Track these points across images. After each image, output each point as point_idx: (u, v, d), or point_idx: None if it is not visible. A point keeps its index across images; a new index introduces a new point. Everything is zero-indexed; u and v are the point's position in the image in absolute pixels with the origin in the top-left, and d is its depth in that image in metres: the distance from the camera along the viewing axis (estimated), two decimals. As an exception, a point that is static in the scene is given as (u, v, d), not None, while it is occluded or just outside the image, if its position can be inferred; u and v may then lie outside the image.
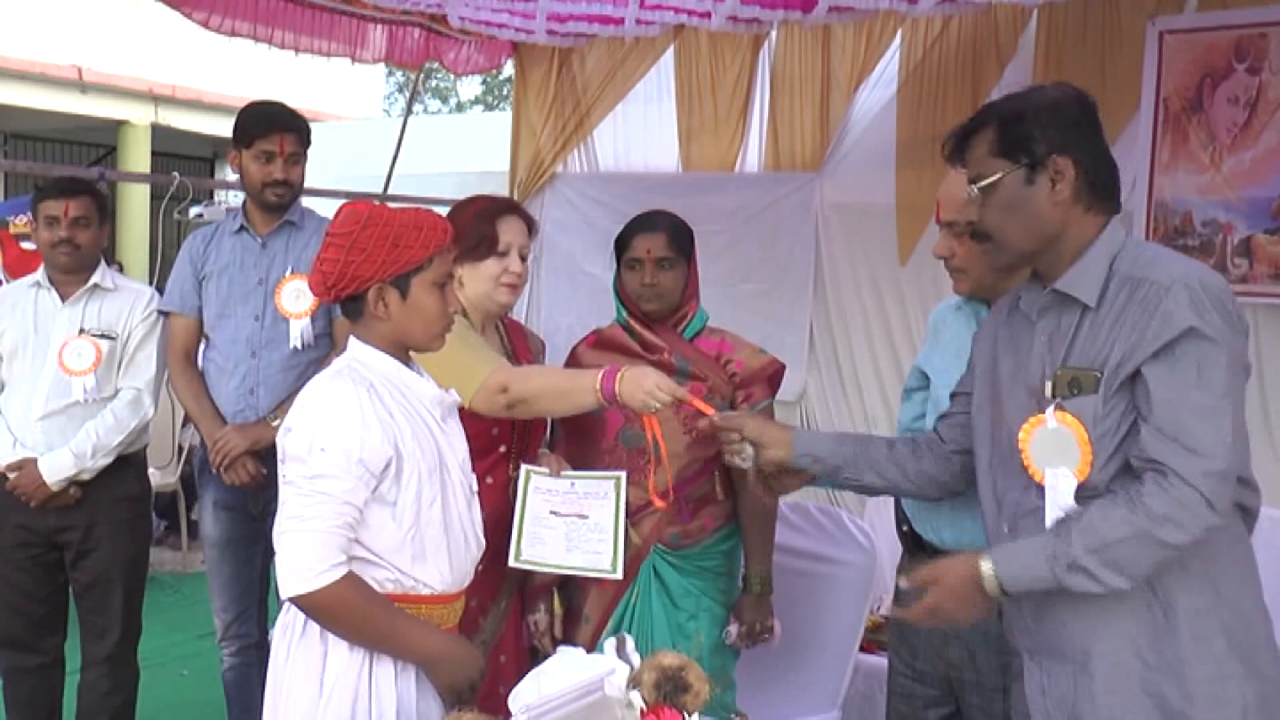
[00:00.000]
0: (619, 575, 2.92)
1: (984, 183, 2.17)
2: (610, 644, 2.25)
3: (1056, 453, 2.13)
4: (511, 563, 2.94)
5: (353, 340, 2.40)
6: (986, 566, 2.11)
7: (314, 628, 2.29)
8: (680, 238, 3.23)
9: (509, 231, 3.06)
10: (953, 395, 2.55)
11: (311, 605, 2.20)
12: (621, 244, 3.26)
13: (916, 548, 2.84)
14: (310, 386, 2.36)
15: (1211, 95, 6.02)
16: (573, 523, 2.89)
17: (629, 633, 3.01)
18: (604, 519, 2.88)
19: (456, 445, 2.45)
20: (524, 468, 3.01)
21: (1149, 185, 6.19)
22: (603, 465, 3.13)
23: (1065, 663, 2.14)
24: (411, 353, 2.44)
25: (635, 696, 2.09)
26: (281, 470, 2.29)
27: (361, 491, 2.20)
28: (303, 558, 2.17)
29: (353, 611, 2.21)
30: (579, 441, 3.24)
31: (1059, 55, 6.34)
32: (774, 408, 3.34)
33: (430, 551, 2.30)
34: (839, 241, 7.04)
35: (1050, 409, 2.10)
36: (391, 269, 2.29)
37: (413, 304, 2.33)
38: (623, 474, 3.00)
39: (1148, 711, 2.03)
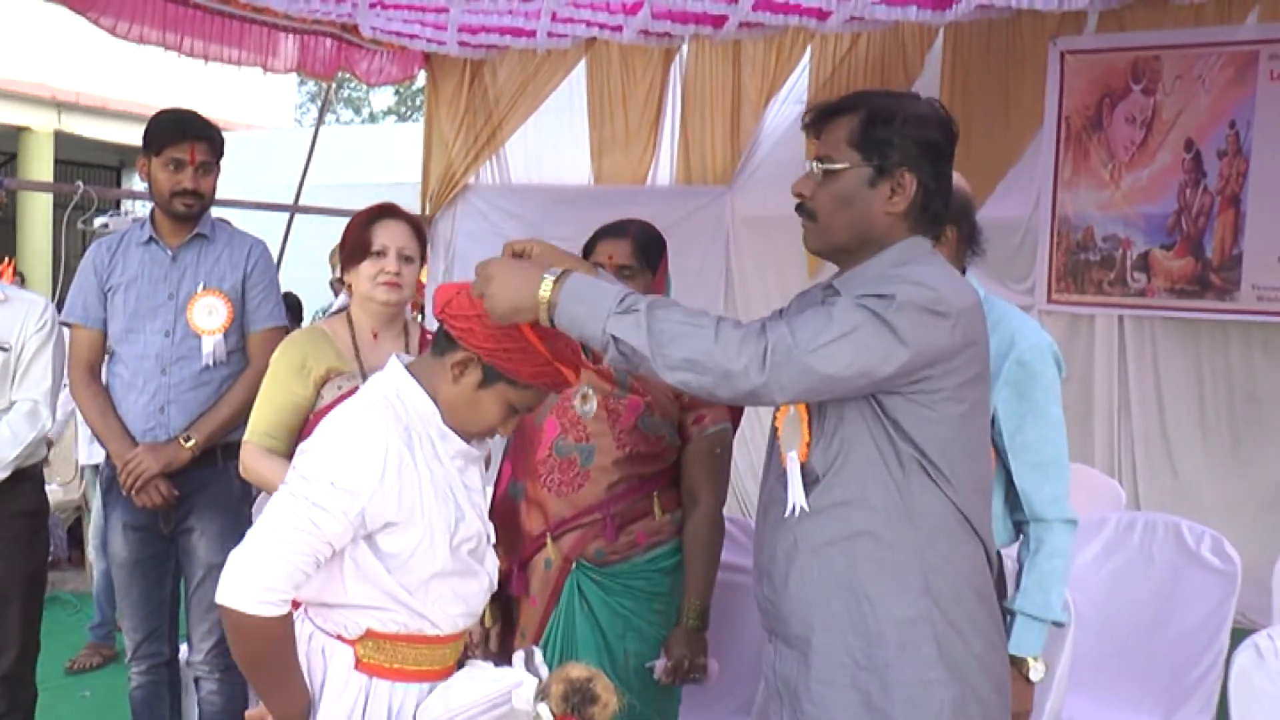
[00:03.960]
0: None
1: (830, 166, 2.14)
2: (519, 656, 2.24)
3: (793, 435, 2.18)
4: None
5: (399, 368, 2.27)
6: (551, 276, 2.04)
7: (315, 654, 2.23)
8: (647, 247, 3.13)
9: (384, 234, 3.12)
10: None
11: (236, 621, 2.12)
12: (588, 248, 3.15)
13: None
14: (345, 412, 2.22)
15: (1110, 114, 6.22)
16: None
17: (557, 651, 2.97)
18: None
19: (475, 498, 2.35)
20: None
21: (1052, 201, 6.38)
22: (538, 475, 3.06)
23: (792, 649, 2.21)
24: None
25: (543, 709, 2.08)
26: (288, 477, 2.18)
27: (347, 536, 2.13)
28: (260, 576, 2.09)
29: (264, 646, 2.14)
30: (521, 452, 3.19)
31: (965, 73, 6.49)
32: (729, 434, 3.17)
33: (440, 599, 2.23)
34: (749, 254, 7.13)
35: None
36: (494, 359, 2.16)
37: (479, 398, 2.20)
38: None
39: (854, 705, 2.11)
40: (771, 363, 1.95)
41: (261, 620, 2.09)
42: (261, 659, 2.17)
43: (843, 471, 2.11)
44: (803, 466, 2.15)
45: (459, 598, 2.26)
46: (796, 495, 2.15)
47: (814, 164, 2.17)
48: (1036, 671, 2.58)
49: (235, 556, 2.12)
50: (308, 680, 2.22)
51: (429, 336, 3.36)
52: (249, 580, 2.09)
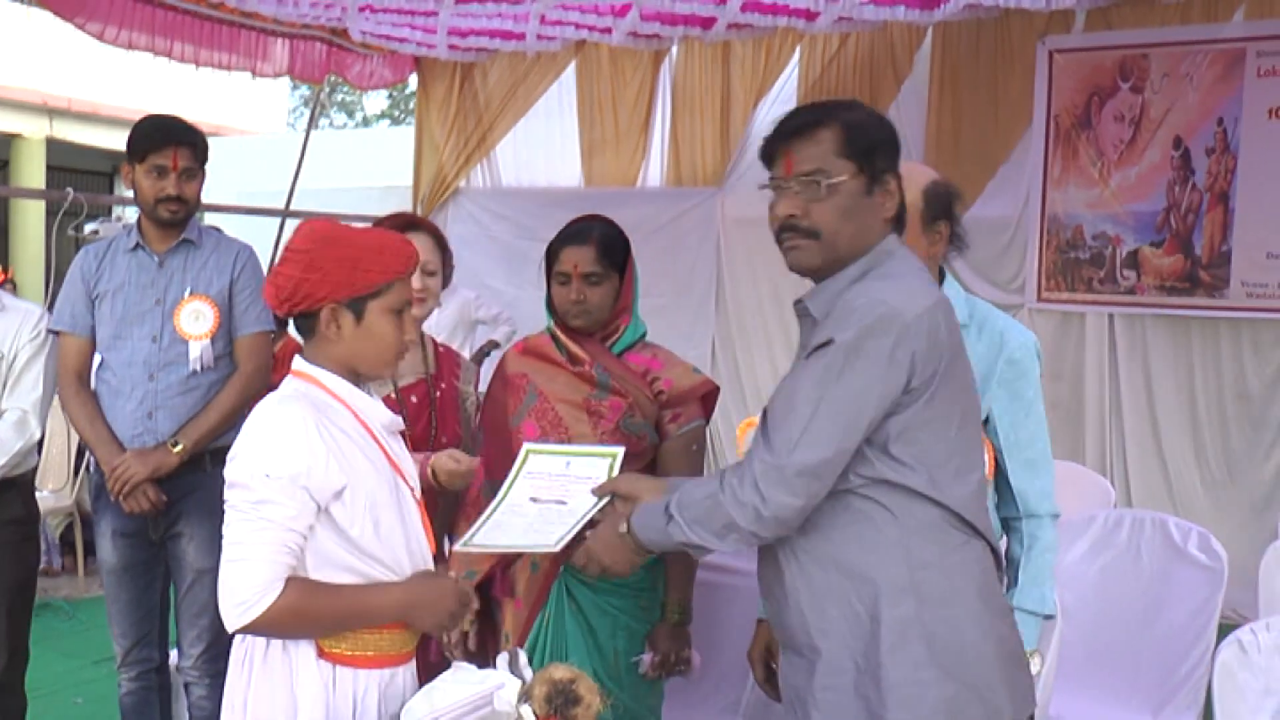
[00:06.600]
0: (557, 549, 2.59)
1: (831, 180, 2.10)
2: (503, 658, 2.25)
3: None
4: (458, 547, 2.69)
5: (299, 360, 2.33)
6: (624, 522, 2.24)
7: (275, 651, 2.26)
8: (611, 250, 3.08)
9: None
10: None
11: (257, 629, 2.18)
12: (551, 255, 3.13)
13: None
14: (257, 410, 2.27)
15: (1099, 113, 6.23)
16: (547, 508, 2.62)
17: (545, 653, 2.98)
18: (581, 505, 2.58)
19: (407, 464, 2.43)
20: (525, 445, 2.80)
21: (1042, 199, 6.39)
22: None
23: (800, 657, 2.18)
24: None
25: (526, 710, 2.09)
26: (226, 495, 2.24)
27: (306, 517, 2.16)
28: (241, 589, 2.14)
29: (300, 617, 2.18)
30: (498, 450, 3.17)
31: (953, 73, 6.51)
32: (705, 430, 3.23)
33: (394, 574, 2.29)
34: (740, 256, 7.15)
35: (764, 410, 2.17)
36: (347, 291, 2.24)
37: (366, 329, 2.27)
38: (620, 450, 2.72)
39: (856, 711, 2.08)
40: (765, 491, 2.04)
41: (273, 610, 2.14)
42: (316, 620, 2.22)
43: None
44: None
45: (409, 573, 2.32)
46: None
47: (795, 181, 2.14)
48: (1034, 664, 2.60)
49: (220, 582, 2.18)
50: (272, 680, 2.26)
51: (441, 349, 3.37)
52: (236, 598, 2.15)
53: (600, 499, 2.49)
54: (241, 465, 2.20)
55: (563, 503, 2.61)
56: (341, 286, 2.24)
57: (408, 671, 2.38)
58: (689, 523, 2.12)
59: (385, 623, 2.29)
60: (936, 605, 2.08)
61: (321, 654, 2.25)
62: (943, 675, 2.06)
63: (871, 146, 2.13)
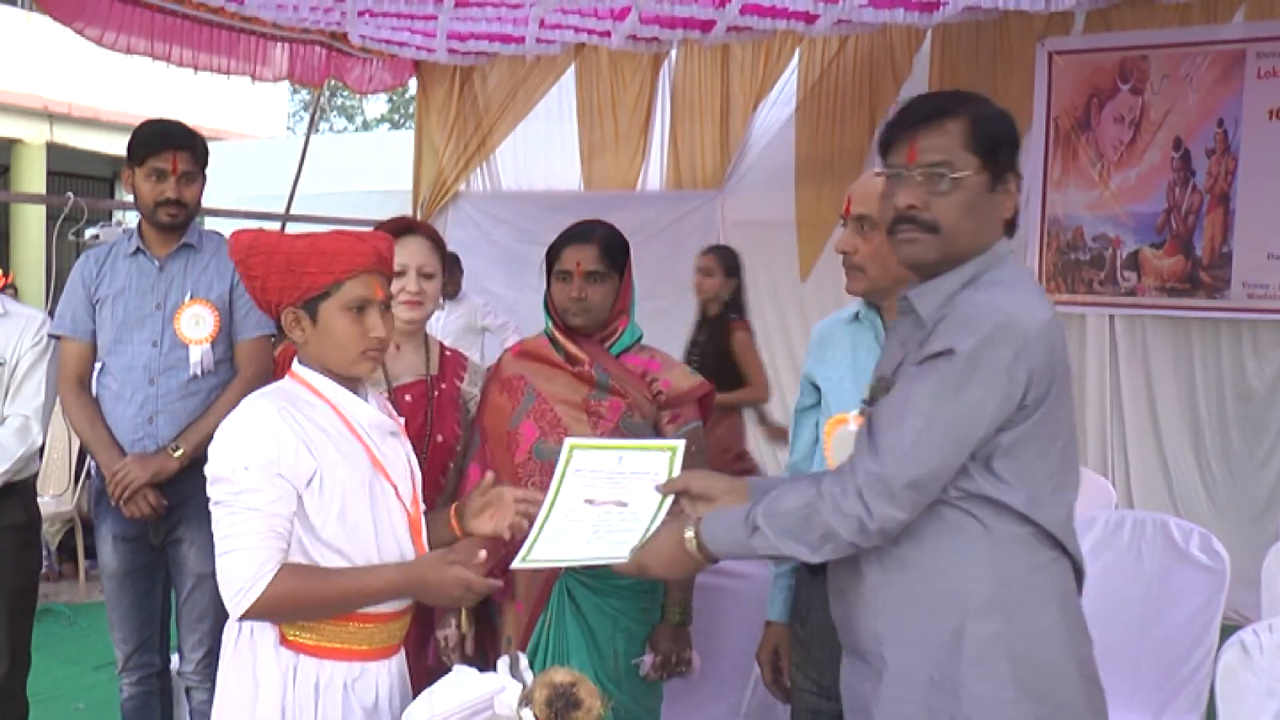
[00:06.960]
0: (626, 559, 2.39)
1: (956, 174, 2.03)
2: (503, 661, 2.25)
3: (846, 451, 2.16)
4: (516, 565, 2.42)
5: (295, 362, 2.41)
6: (690, 530, 2.16)
7: (244, 639, 2.32)
8: (613, 250, 3.09)
9: (404, 252, 3.07)
10: None
11: (258, 614, 2.24)
12: (552, 254, 3.11)
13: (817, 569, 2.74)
14: (236, 409, 2.34)
15: (1099, 114, 6.24)
16: (607, 511, 2.42)
17: (547, 655, 2.97)
18: (644, 506, 2.38)
19: (395, 465, 2.44)
20: (567, 441, 2.62)
21: (1042, 201, 6.39)
22: (519, 479, 3.00)
23: (866, 664, 2.13)
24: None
25: (527, 714, 2.09)
26: (210, 492, 2.29)
27: (289, 502, 2.22)
28: (236, 577, 2.21)
29: (296, 599, 2.23)
30: (494, 452, 3.19)
31: (953, 75, 6.50)
32: (703, 431, 3.23)
33: (366, 559, 2.32)
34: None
35: (854, 411, 2.11)
36: (295, 294, 2.29)
37: (323, 329, 2.31)
38: (681, 444, 2.53)
39: None
40: (870, 503, 1.98)
41: (261, 600, 2.20)
42: (314, 600, 2.26)
43: None
44: None
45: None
46: None
47: (918, 170, 2.07)
48: None
49: (218, 575, 2.25)
50: (240, 665, 2.31)
51: (448, 353, 3.38)
52: (233, 586, 2.22)
53: (666, 497, 2.36)
54: (219, 461, 2.26)
55: (623, 504, 2.43)
56: (287, 291, 2.30)
57: (383, 668, 2.39)
58: (778, 533, 2.05)
59: (384, 602, 2.32)
60: (1021, 622, 2.04)
61: (283, 641, 2.30)
62: (1024, 694, 2.02)
63: (997, 142, 2.07)
